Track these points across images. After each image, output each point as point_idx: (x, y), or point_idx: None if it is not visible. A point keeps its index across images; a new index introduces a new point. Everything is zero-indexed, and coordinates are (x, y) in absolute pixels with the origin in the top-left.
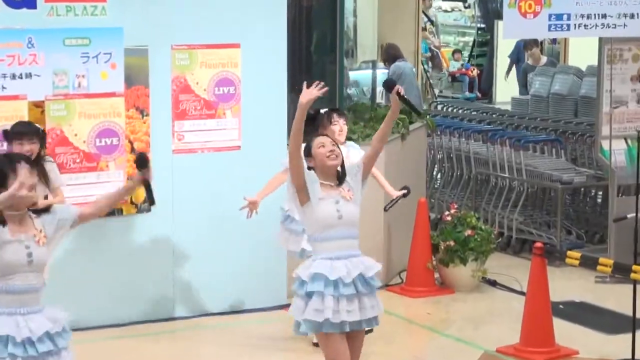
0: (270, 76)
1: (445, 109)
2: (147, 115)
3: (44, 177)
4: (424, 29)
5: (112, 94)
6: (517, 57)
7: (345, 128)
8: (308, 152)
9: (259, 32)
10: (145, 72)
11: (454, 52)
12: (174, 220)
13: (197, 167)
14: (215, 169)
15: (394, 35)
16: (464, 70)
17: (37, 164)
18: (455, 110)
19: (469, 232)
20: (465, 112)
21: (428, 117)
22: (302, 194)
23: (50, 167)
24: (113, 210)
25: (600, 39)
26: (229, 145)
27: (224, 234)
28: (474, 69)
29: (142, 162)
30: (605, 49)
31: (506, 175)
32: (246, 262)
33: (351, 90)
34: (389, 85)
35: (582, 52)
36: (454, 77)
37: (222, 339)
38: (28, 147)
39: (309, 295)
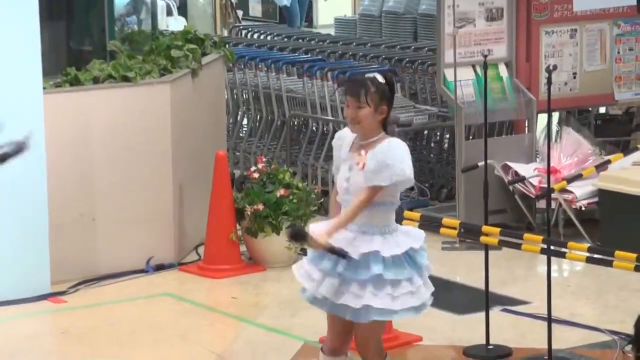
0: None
1: (249, 35)
2: None
3: None
4: None
5: None
6: None
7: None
8: None
9: None
10: None
11: None
12: None
13: None
14: None
15: None
16: None
17: None
18: (262, 37)
19: (282, 192)
20: (275, 38)
21: (226, 46)
22: None
23: None
24: None
25: None
26: None
27: None
28: None
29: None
30: None
31: (329, 117)
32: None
33: (130, 18)
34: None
35: None
36: None
37: None
38: None
39: None
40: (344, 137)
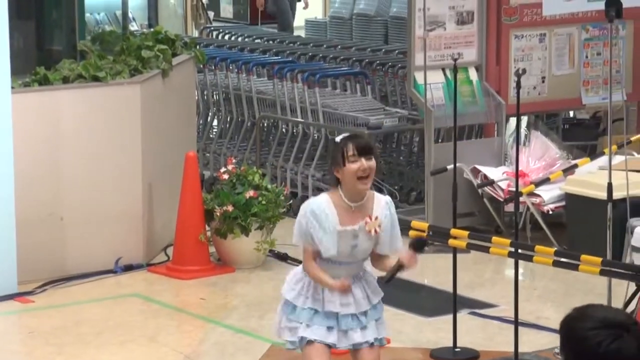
0: None
1: (220, 36)
2: None
3: None
4: None
5: None
6: None
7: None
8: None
9: None
10: None
11: None
12: None
13: None
14: None
15: None
16: None
17: None
18: (233, 38)
19: (251, 193)
20: (245, 40)
21: (197, 47)
22: None
23: None
24: None
25: None
26: None
27: None
28: None
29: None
30: None
31: (299, 119)
32: None
33: (99, 15)
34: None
35: None
36: None
37: None
38: None
39: None
40: (324, 208)
